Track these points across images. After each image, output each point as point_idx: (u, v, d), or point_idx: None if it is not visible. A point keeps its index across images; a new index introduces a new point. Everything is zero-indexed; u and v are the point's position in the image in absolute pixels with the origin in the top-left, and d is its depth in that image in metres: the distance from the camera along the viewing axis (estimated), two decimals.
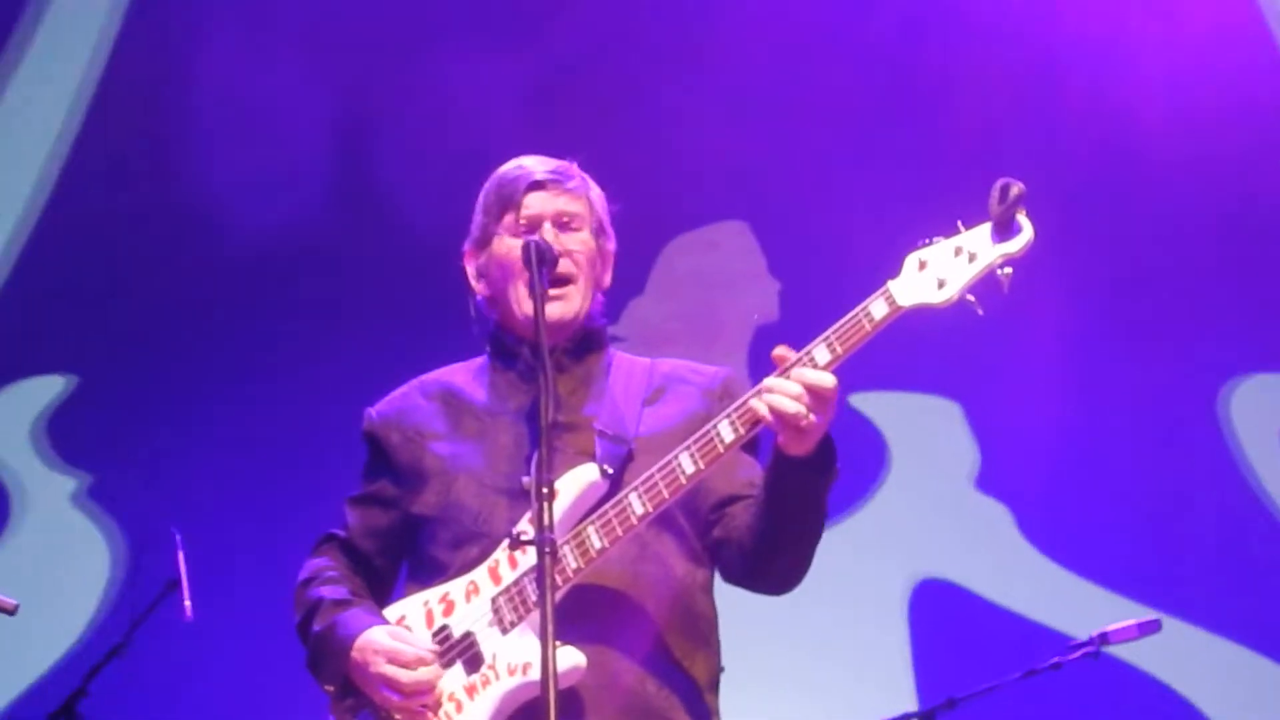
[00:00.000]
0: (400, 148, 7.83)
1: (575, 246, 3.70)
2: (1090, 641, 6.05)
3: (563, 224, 3.71)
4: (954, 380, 7.37)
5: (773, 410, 3.31)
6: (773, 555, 3.53)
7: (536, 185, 3.72)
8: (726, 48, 7.83)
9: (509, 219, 3.71)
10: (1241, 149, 7.38)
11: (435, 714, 3.55)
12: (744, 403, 3.42)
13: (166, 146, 7.94)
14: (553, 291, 3.63)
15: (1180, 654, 7.01)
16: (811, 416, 3.30)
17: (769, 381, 3.34)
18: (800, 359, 3.33)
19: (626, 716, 3.50)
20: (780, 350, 3.37)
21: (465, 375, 3.83)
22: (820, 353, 3.34)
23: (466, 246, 3.82)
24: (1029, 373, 7.38)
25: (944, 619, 7.41)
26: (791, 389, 3.31)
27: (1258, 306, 7.29)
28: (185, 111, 7.90)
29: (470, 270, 3.81)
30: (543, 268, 3.51)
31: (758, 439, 3.54)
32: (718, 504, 3.64)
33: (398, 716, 3.57)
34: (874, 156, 7.58)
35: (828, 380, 3.30)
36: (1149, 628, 6.04)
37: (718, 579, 3.74)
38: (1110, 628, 6.03)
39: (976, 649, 7.06)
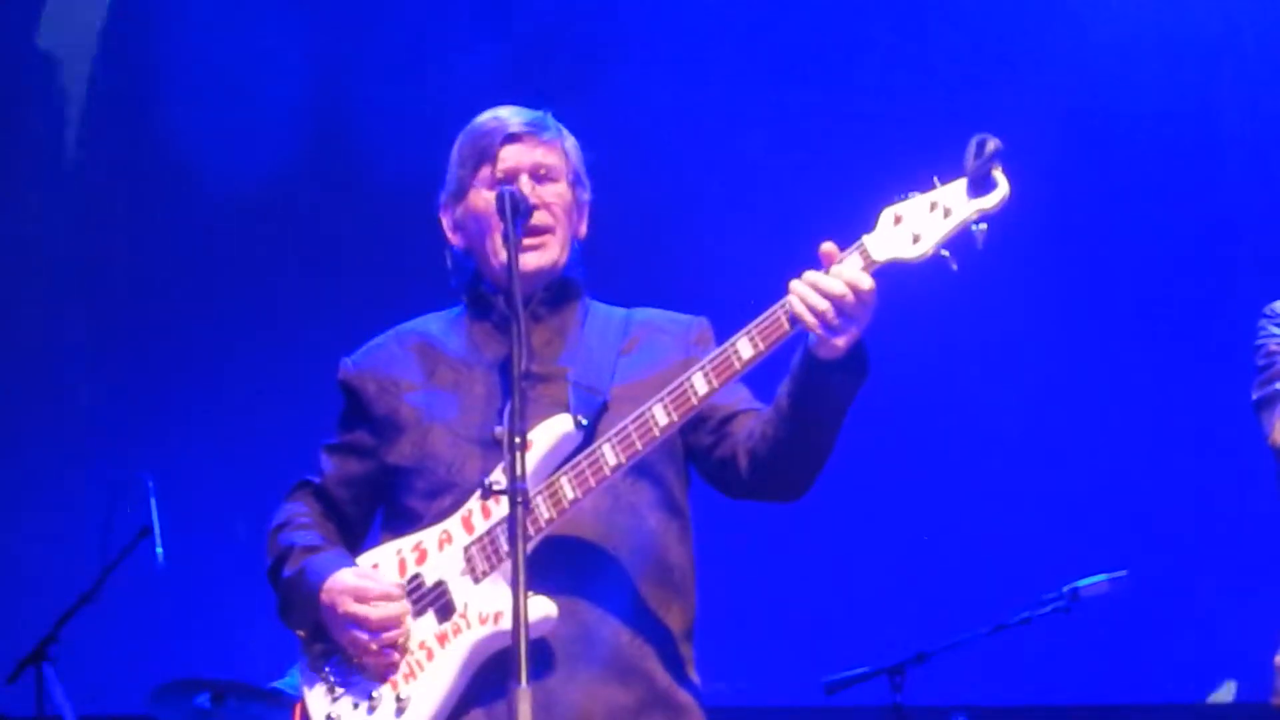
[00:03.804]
0: (377, 101, 7.82)
1: (551, 198, 3.69)
2: (1060, 596, 6.07)
3: (539, 176, 3.70)
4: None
5: (808, 304, 3.31)
6: (791, 461, 3.53)
7: (512, 138, 3.70)
8: (702, 13, 7.83)
9: (485, 171, 3.70)
10: (1232, 118, 7.40)
11: (402, 655, 3.55)
12: (718, 354, 3.42)
13: (145, 99, 7.91)
14: (529, 241, 3.63)
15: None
16: (836, 320, 3.30)
17: (808, 275, 3.34)
18: (844, 258, 3.33)
19: (600, 666, 3.50)
20: (827, 246, 3.36)
21: (442, 325, 3.82)
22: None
23: (442, 199, 3.79)
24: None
25: (914, 572, 7.45)
26: (831, 285, 3.31)
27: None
28: (164, 63, 7.87)
29: (446, 222, 3.79)
30: (517, 219, 3.51)
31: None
32: (718, 424, 3.63)
33: (365, 659, 3.57)
34: (850, 116, 7.58)
35: (865, 280, 3.30)
36: (1120, 583, 6.06)
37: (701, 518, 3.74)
38: (1081, 583, 6.05)
39: (946, 603, 7.09)
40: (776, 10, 7.80)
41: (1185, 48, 7.50)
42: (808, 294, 3.32)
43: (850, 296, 3.30)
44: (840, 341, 3.33)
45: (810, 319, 3.32)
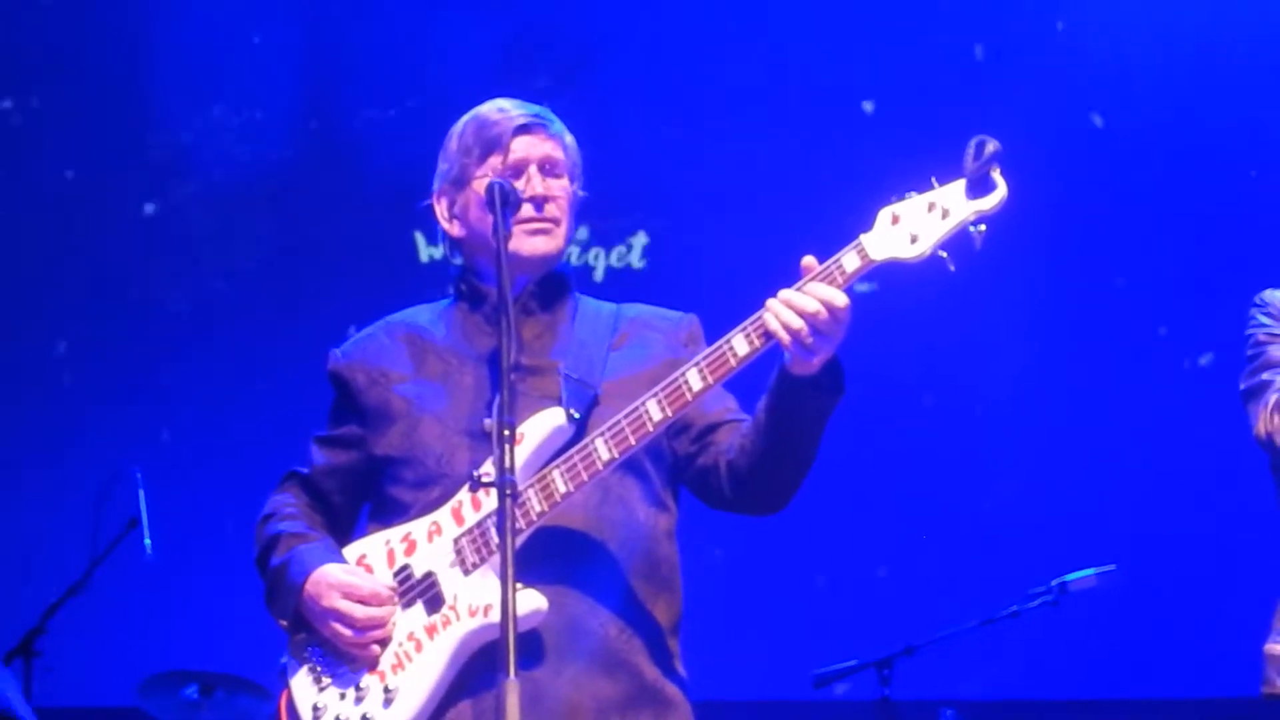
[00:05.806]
0: (367, 94, 7.81)
1: (558, 192, 3.70)
2: (1049, 590, 6.08)
3: (547, 168, 3.70)
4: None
5: (782, 322, 3.31)
6: (769, 476, 3.54)
7: (524, 129, 3.69)
8: (698, 10, 7.83)
9: (494, 160, 3.68)
10: (1230, 118, 7.42)
11: (383, 651, 3.55)
12: (713, 350, 3.42)
13: (138, 91, 7.90)
14: (539, 225, 3.65)
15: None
16: (810, 339, 3.29)
17: (783, 293, 3.34)
18: (817, 274, 3.33)
19: (588, 659, 3.50)
20: (808, 259, 3.36)
21: (431, 316, 3.81)
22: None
23: (439, 186, 3.77)
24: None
25: (902, 565, 7.46)
26: (805, 303, 3.31)
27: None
28: (157, 55, 7.85)
29: (441, 211, 3.77)
30: (506, 210, 3.50)
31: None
32: (700, 433, 3.64)
33: (349, 651, 3.57)
34: (846, 115, 7.58)
35: (840, 298, 3.30)
36: (1108, 577, 6.07)
37: (684, 522, 3.74)
38: (1069, 577, 6.06)
39: (934, 596, 7.10)
40: (772, 8, 7.80)
41: (1184, 49, 7.51)
42: (782, 311, 3.33)
43: (825, 314, 3.30)
44: (815, 359, 3.34)
45: (785, 337, 3.32)
